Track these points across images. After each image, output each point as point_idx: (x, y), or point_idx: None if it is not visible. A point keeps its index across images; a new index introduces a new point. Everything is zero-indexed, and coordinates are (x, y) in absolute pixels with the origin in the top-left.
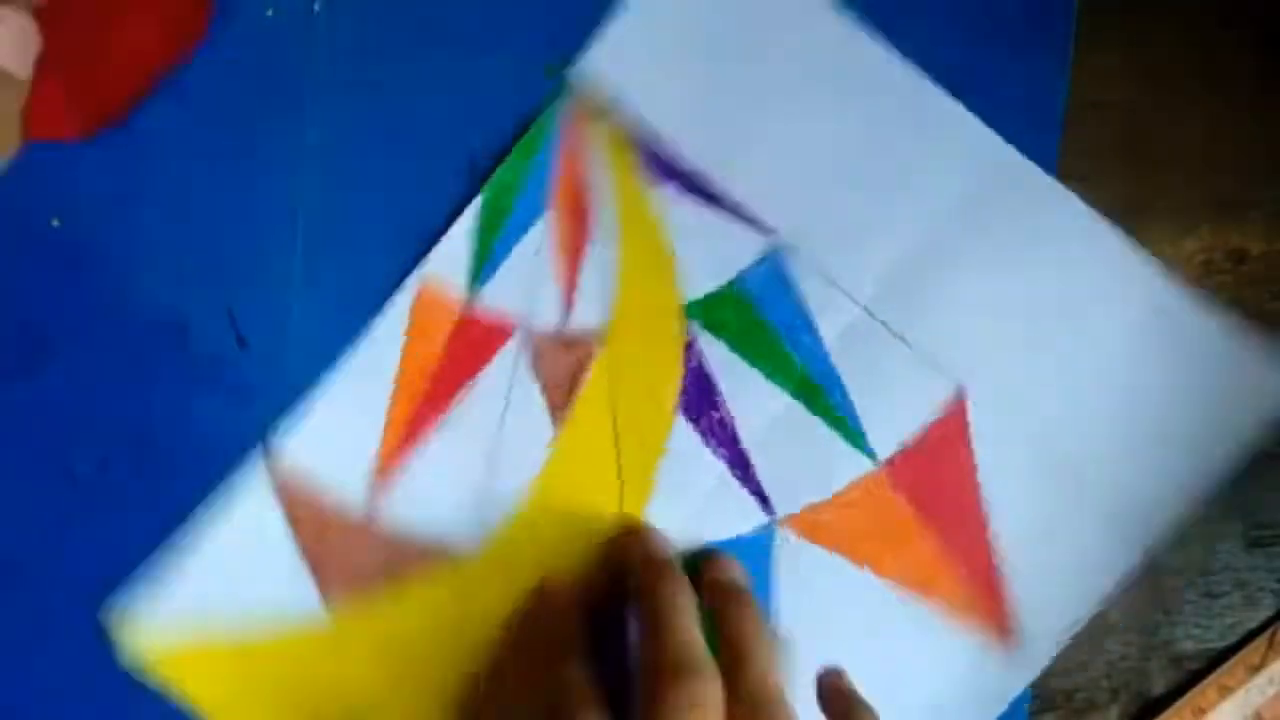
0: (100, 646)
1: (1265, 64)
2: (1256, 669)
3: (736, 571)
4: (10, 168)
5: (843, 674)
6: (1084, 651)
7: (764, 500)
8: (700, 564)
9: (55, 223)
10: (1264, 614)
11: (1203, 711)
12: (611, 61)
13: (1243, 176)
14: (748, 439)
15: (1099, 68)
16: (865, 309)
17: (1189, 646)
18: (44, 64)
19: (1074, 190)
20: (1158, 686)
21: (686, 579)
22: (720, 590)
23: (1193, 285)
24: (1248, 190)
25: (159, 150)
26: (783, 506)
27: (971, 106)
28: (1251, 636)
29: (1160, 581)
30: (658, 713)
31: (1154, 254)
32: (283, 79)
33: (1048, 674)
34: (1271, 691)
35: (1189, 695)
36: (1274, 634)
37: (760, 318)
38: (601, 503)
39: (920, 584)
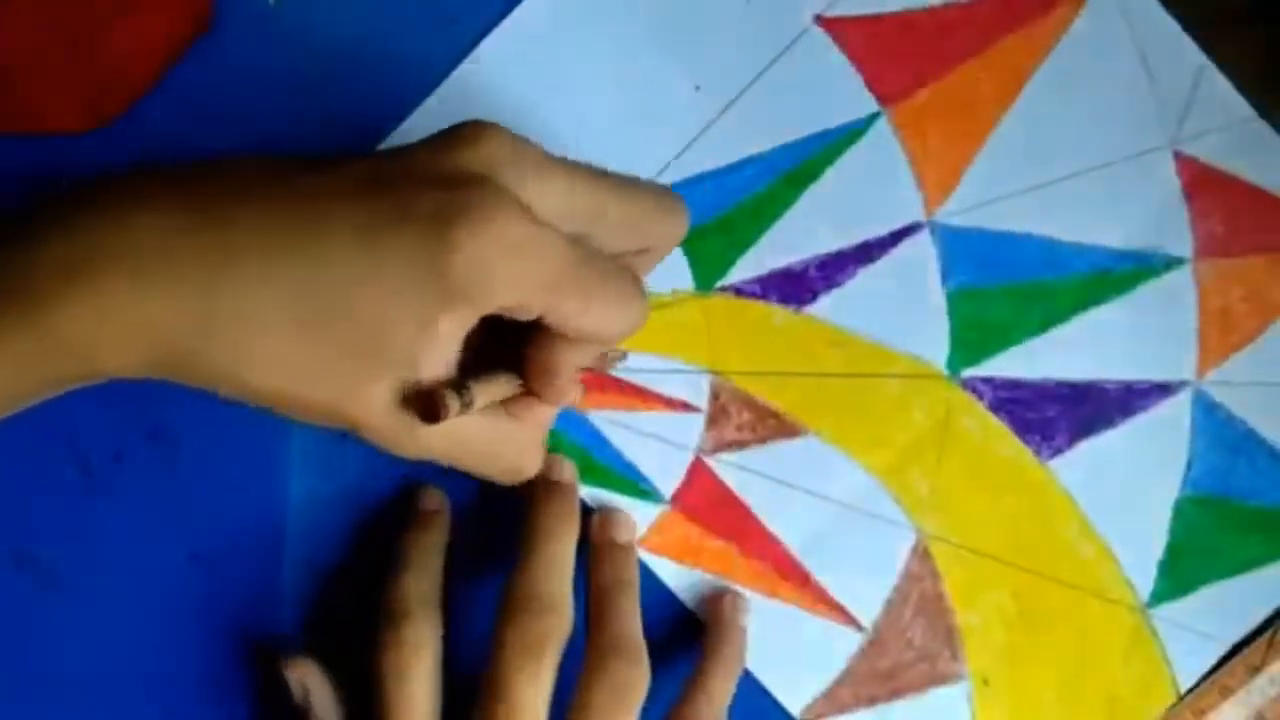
0: (114, 637)
1: (1265, 65)
2: (1257, 670)
3: (621, 530)
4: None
5: (736, 601)
6: None
7: None
8: (592, 518)
9: None
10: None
11: (1203, 712)
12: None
13: None
14: None
15: None
16: None
17: None
18: (47, 55)
19: None
20: None
21: (575, 512)
22: (599, 546)
23: None
24: None
25: (161, 142)
26: None
27: None
28: (1252, 637)
29: None
30: (501, 640)
31: None
32: (286, 70)
33: None
34: (1272, 692)
35: (1190, 696)
36: (1274, 634)
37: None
38: None
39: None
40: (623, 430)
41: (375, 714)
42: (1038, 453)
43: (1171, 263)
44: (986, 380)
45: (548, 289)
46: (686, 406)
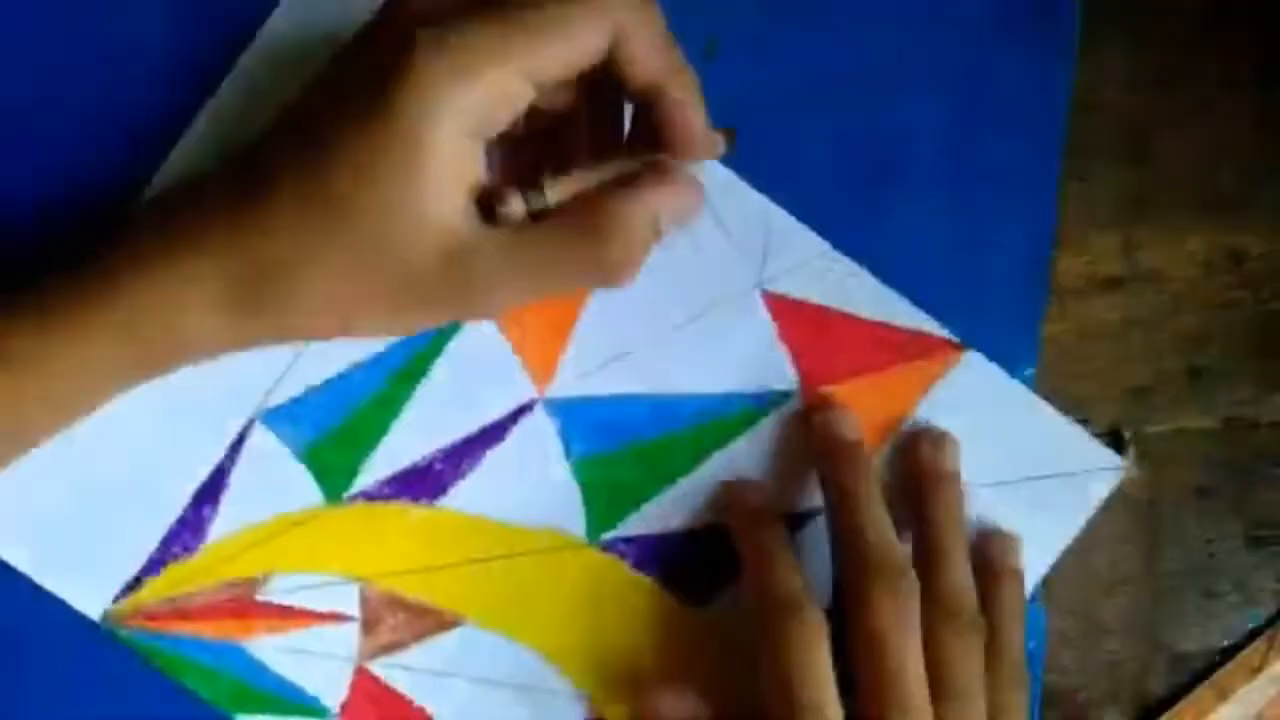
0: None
1: (1265, 64)
2: (1257, 670)
3: (940, 453)
4: None
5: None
6: (1084, 651)
7: None
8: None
9: None
10: (1264, 614)
11: (1204, 713)
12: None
13: (1243, 177)
14: None
15: (1099, 68)
16: None
17: (1189, 646)
18: None
19: (1074, 190)
20: (1158, 687)
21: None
22: (926, 476)
23: (1193, 285)
24: (1248, 190)
25: None
26: None
27: (976, 109)
28: (1252, 637)
29: (1160, 581)
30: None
31: (1154, 254)
32: None
33: (1048, 673)
34: (1272, 692)
35: (1189, 697)
36: (1274, 635)
37: None
38: None
39: None
40: (280, 654)
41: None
42: (690, 601)
43: (780, 397)
44: (627, 540)
45: (500, 56)
46: (339, 618)
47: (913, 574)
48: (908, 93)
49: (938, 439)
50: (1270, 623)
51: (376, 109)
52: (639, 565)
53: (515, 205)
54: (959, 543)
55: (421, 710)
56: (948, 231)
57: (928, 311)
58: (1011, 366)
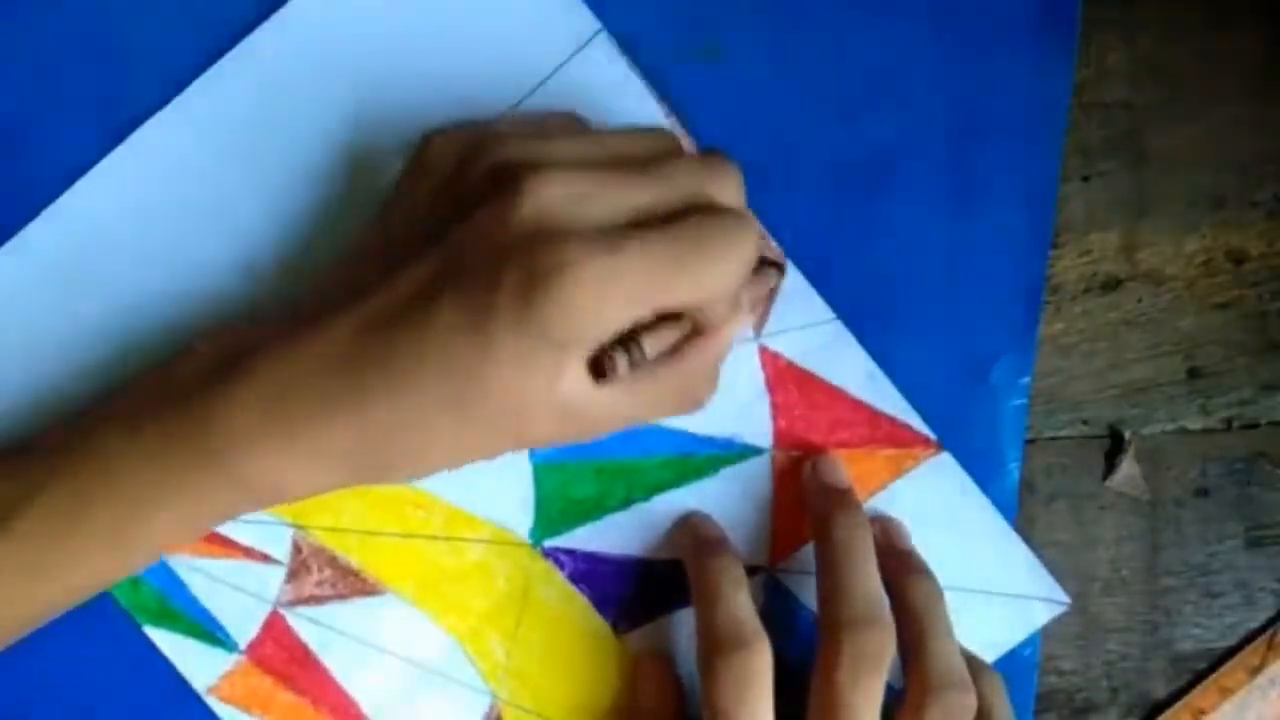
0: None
1: (1265, 63)
2: (1257, 670)
3: (904, 538)
4: None
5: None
6: (1084, 651)
7: None
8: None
9: None
10: (1264, 614)
11: (1203, 712)
12: None
13: (1243, 176)
14: None
15: (1099, 68)
16: None
17: (1189, 646)
18: None
19: (1074, 190)
20: (1158, 686)
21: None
22: (898, 558)
23: (1193, 285)
24: (1248, 190)
25: None
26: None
27: (976, 109)
28: (1252, 637)
29: (1160, 581)
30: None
31: (1154, 254)
32: None
33: (1047, 674)
34: (1273, 692)
35: (1189, 697)
36: (1274, 635)
37: None
38: None
39: None
40: (200, 576)
41: None
42: (614, 625)
43: (751, 452)
44: (568, 552)
45: (646, 298)
46: (267, 558)
47: (891, 630)
48: (908, 92)
49: (887, 525)
50: (1270, 623)
51: (521, 323)
52: (574, 578)
53: (622, 367)
54: (942, 616)
55: (323, 666)
56: (947, 231)
57: (928, 310)
58: (1009, 370)
